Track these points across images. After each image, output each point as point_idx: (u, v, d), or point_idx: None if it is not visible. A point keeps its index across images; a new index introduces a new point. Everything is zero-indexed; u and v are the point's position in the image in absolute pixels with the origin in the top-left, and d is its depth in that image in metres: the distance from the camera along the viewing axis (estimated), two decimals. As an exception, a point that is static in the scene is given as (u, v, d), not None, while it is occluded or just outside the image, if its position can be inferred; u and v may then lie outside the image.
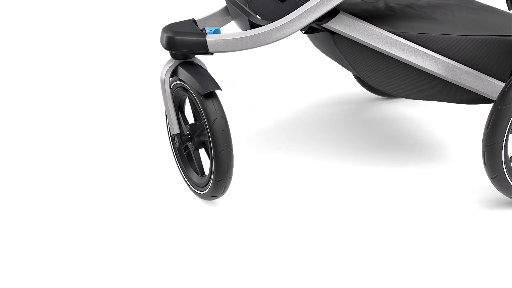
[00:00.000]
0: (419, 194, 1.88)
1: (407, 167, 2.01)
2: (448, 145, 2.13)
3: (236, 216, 1.82)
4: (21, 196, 1.93)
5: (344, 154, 2.10)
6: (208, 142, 1.75)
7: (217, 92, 1.75)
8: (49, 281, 1.59)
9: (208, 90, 1.71)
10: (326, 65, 2.62)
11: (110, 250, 1.69)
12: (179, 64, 1.80)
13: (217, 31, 1.78)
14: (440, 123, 2.27)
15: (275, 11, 1.80)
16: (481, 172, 1.96)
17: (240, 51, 1.78)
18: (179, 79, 1.81)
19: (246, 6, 1.88)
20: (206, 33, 1.76)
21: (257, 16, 1.80)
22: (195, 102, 1.77)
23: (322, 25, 1.77)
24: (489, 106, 1.77)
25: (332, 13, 1.74)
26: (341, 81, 2.55)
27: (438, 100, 1.88)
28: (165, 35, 1.79)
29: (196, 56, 1.82)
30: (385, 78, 1.83)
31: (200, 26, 1.91)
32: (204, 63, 1.83)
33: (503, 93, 1.67)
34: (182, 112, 1.90)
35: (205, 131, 1.76)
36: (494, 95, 1.80)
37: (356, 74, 1.88)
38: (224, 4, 2.01)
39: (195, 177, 1.89)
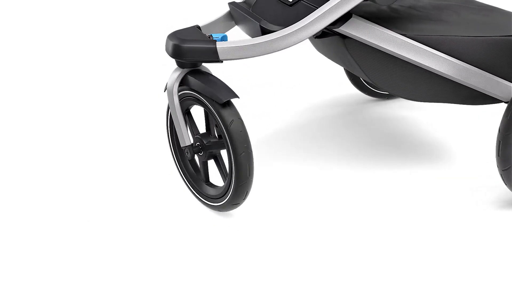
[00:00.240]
0: (419, 194, 1.88)
1: (407, 168, 2.01)
2: (447, 145, 2.13)
3: (236, 217, 1.82)
4: (21, 197, 1.93)
5: (343, 157, 2.09)
6: (227, 147, 1.68)
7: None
8: (49, 281, 1.59)
9: (226, 99, 1.65)
10: (317, 68, 2.63)
11: (110, 250, 1.69)
12: (187, 73, 1.75)
13: (224, 38, 1.73)
14: (439, 124, 2.27)
15: (284, 16, 1.75)
16: (481, 172, 1.96)
17: (250, 58, 1.72)
18: (190, 89, 1.75)
19: (249, 10, 1.84)
20: (215, 40, 1.70)
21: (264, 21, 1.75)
22: (209, 111, 1.72)
23: (334, 30, 1.72)
24: (492, 105, 1.77)
25: (345, 17, 1.70)
26: (335, 84, 2.55)
27: (449, 102, 1.85)
28: (171, 43, 1.72)
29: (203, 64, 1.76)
30: (397, 81, 1.80)
31: (204, 33, 1.84)
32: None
33: None
34: (192, 121, 1.84)
35: (219, 140, 1.73)
36: (503, 96, 1.79)
37: (366, 79, 1.83)
38: (225, 9, 1.95)
39: (208, 189, 1.82)
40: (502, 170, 1.72)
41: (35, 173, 2.05)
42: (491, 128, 2.23)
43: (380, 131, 2.24)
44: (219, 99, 1.66)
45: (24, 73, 2.77)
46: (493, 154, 2.07)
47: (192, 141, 1.79)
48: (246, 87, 2.55)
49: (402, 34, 1.73)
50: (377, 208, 1.83)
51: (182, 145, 1.78)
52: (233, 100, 1.70)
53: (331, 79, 2.59)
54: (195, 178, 1.85)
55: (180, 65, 1.76)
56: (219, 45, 1.68)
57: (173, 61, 1.77)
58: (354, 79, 2.38)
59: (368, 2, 1.74)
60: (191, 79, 1.73)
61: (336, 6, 1.66)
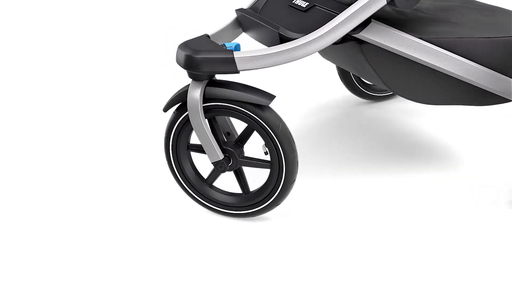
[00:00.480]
0: (419, 194, 1.88)
1: (406, 168, 2.01)
2: (447, 146, 2.13)
3: (237, 221, 1.82)
4: (21, 197, 1.93)
5: (343, 159, 2.10)
6: (276, 149, 1.66)
7: None
8: (49, 281, 1.59)
9: (271, 99, 1.61)
10: (308, 73, 2.63)
11: (110, 250, 1.69)
12: (206, 85, 1.66)
13: (237, 47, 1.67)
14: (439, 124, 2.27)
15: (302, 23, 1.70)
16: (481, 172, 1.96)
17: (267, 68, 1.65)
18: (220, 100, 1.66)
19: (262, 17, 1.78)
20: (232, 50, 1.63)
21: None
22: (249, 118, 1.66)
23: (353, 35, 1.68)
24: (491, 106, 1.76)
25: (364, 22, 1.65)
26: (327, 87, 2.55)
27: (461, 104, 1.83)
28: (183, 54, 1.63)
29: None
30: (413, 85, 1.77)
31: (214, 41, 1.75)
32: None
33: None
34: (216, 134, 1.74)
35: (267, 143, 1.68)
36: None
37: (380, 84, 1.80)
38: (232, 16, 1.90)
39: (243, 197, 1.77)
40: None
41: (35, 174, 2.04)
42: (491, 128, 2.23)
43: (376, 133, 2.23)
44: (265, 102, 1.61)
45: (24, 73, 2.77)
46: (493, 154, 2.07)
47: (223, 155, 1.71)
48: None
49: (419, 38, 1.70)
50: (377, 208, 1.83)
51: (214, 160, 1.71)
52: None
53: (323, 82, 2.60)
54: (205, 188, 1.80)
55: (193, 77, 1.65)
56: (237, 54, 1.61)
57: (173, 61, 1.75)
58: (348, 82, 2.37)
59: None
60: (217, 90, 1.65)
61: (359, 11, 1.62)
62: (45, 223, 1.80)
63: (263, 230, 1.76)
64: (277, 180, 1.70)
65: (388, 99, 2.45)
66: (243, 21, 1.86)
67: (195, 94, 1.64)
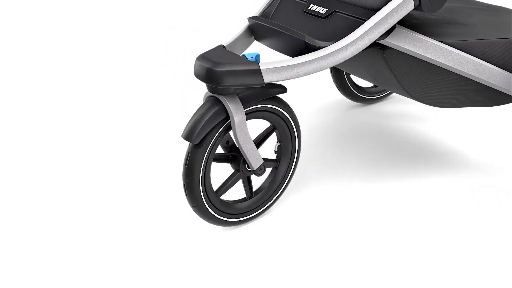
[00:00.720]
0: (419, 194, 1.88)
1: (405, 168, 2.01)
2: (446, 146, 2.13)
3: (240, 227, 1.82)
4: (21, 197, 1.93)
5: (342, 162, 2.10)
6: (292, 142, 1.78)
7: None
8: (49, 281, 1.59)
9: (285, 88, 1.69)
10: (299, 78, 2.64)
11: (110, 250, 1.69)
12: (242, 95, 1.61)
13: (258, 58, 1.62)
14: (438, 124, 2.27)
15: (322, 30, 1.65)
16: (481, 172, 1.96)
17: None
18: (269, 105, 1.67)
19: (281, 24, 1.73)
20: (257, 62, 1.57)
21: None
22: (286, 119, 1.73)
23: (379, 41, 1.63)
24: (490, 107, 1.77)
25: (389, 28, 1.61)
26: (318, 91, 2.55)
27: (477, 106, 1.82)
28: (204, 67, 1.54)
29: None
30: (432, 90, 1.75)
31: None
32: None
33: None
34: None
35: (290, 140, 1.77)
36: None
37: (397, 90, 1.77)
38: (243, 25, 1.85)
39: (244, 204, 1.77)
40: None
41: (35, 174, 2.04)
42: (490, 128, 2.23)
43: (373, 135, 2.24)
44: (284, 89, 1.67)
45: (24, 74, 2.77)
46: (493, 154, 2.07)
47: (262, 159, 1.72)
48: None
49: (440, 41, 1.68)
50: (376, 208, 1.83)
51: (258, 165, 1.69)
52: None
53: (312, 87, 2.60)
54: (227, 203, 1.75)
55: (213, 90, 1.58)
56: (263, 66, 1.54)
57: (172, 61, 1.74)
58: (342, 86, 2.34)
59: None
60: (250, 95, 1.62)
61: (387, 17, 1.58)
62: (45, 223, 1.80)
63: (261, 233, 1.76)
64: (286, 171, 1.80)
65: (380, 101, 2.45)
66: (257, 29, 1.80)
67: (236, 107, 1.59)
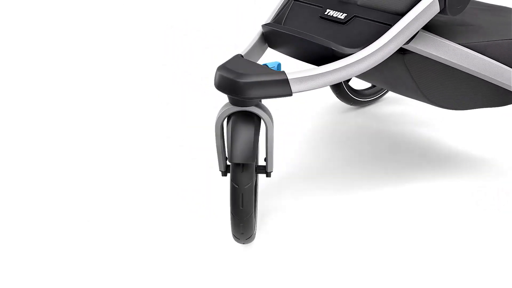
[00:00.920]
0: (419, 194, 1.88)
1: (405, 169, 2.01)
2: (446, 146, 2.13)
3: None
4: (21, 197, 1.93)
5: (341, 163, 2.10)
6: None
7: None
8: (49, 281, 1.59)
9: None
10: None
11: (110, 250, 1.69)
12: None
13: (279, 67, 1.58)
14: (437, 124, 2.27)
15: (344, 36, 1.61)
16: (481, 172, 1.96)
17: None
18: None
19: (300, 31, 1.68)
20: (284, 72, 1.50)
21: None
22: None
23: (402, 46, 1.61)
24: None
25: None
26: (311, 95, 2.54)
27: (491, 106, 1.81)
28: (227, 78, 1.47)
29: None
30: (451, 93, 1.73)
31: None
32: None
33: None
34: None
35: None
36: None
37: (416, 95, 1.75)
38: (257, 32, 1.81)
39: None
40: None
41: (35, 174, 2.04)
42: (490, 128, 2.23)
43: (372, 136, 2.24)
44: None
45: (24, 74, 2.77)
46: (493, 154, 2.07)
47: None
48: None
49: (458, 44, 1.66)
50: (376, 207, 1.83)
51: (273, 167, 1.69)
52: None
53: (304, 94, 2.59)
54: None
55: (237, 102, 1.51)
56: (290, 76, 1.48)
57: (172, 61, 1.73)
58: (341, 93, 2.33)
59: None
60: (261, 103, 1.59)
61: (414, 21, 1.55)
62: (45, 223, 1.80)
63: (261, 232, 1.76)
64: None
65: (373, 103, 2.45)
66: (272, 37, 1.73)
67: (269, 114, 1.55)
